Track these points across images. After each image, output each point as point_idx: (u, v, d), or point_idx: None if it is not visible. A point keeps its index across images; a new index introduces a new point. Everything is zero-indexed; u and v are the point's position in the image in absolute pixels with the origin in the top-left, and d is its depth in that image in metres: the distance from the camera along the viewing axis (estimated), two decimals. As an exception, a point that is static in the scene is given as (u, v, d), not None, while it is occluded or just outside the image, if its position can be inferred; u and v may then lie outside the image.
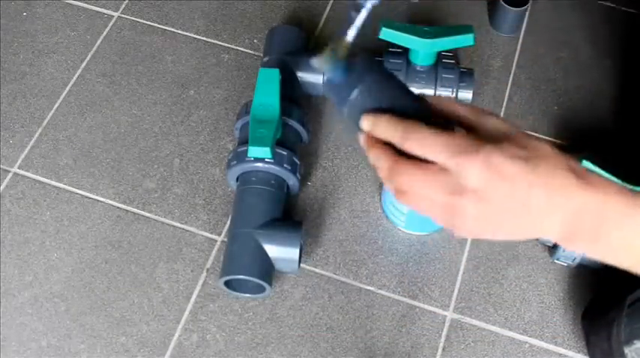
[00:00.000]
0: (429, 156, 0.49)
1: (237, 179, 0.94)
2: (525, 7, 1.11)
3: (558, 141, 1.05)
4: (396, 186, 0.51)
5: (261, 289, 0.88)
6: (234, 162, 0.91)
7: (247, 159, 0.90)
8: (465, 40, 0.96)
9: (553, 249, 0.92)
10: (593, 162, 0.85)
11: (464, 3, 1.19)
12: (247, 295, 0.90)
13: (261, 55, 1.12)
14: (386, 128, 0.51)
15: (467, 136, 0.49)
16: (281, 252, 0.87)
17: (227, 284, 0.89)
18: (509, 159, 0.47)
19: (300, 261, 0.88)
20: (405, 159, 0.50)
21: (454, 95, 0.99)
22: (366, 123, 0.53)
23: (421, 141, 0.49)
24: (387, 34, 0.96)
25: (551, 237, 0.49)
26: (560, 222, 0.48)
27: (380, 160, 0.52)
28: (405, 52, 1.00)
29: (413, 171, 0.49)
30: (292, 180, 0.93)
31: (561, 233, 0.48)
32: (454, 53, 1.01)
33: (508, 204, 0.48)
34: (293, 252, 0.87)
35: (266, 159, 0.90)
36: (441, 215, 0.50)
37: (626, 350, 0.79)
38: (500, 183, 0.47)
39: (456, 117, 0.52)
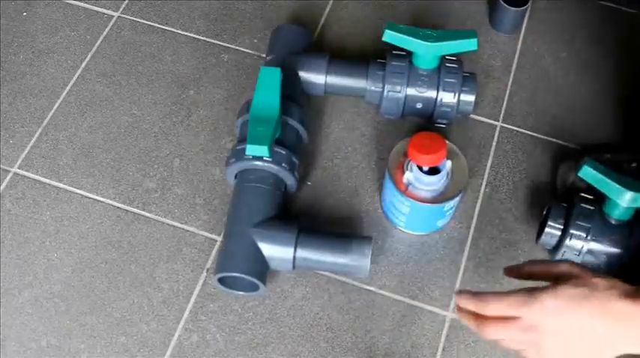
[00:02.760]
0: (505, 313, 0.63)
1: (236, 177, 0.94)
2: (525, 7, 1.11)
3: (559, 142, 1.05)
4: (487, 336, 0.65)
5: (256, 287, 0.88)
6: (233, 159, 0.92)
7: (246, 157, 0.90)
8: (468, 44, 0.96)
9: (553, 250, 0.92)
10: (594, 164, 0.85)
11: (464, 3, 1.19)
12: (242, 293, 0.90)
13: (261, 54, 1.12)
14: (466, 304, 0.66)
15: (526, 291, 0.62)
16: (276, 250, 0.87)
17: (223, 281, 0.89)
18: (560, 297, 0.60)
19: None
20: (489, 318, 0.64)
21: (456, 99, 0.99)
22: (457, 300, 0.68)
23: (494, 306, 0.63)
24: (390, 37, 0.96)
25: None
26: (631, 343, 0.58)
27: (469, 323, 0.66)
28: (408, 55, 1.00)
29: (494, 325, 0.64)
30: (290, 180, 0.93)
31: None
32: (458, 57, 1.01)
33: (567, 333, 0.60)
34: (287, 252, 0.87)
35: (264, 158, 0.90)
36: (525, 348, 0.64)
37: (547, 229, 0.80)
38: (553, 318, 0.60)
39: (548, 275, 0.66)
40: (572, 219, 0.88)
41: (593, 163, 0.85)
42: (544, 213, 0.93)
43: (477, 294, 0.65)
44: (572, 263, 0.66)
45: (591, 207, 0.88)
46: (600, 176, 0.84)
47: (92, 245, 0.96)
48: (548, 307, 0.60)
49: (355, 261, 0.87)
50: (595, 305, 0.59)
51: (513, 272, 0.70)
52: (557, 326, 0.60)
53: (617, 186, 0.83)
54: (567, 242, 0.88)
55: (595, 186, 0.85)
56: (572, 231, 0.87)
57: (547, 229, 0.90)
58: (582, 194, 0.90)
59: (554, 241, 0.90)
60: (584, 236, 0.87)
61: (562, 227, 0.89)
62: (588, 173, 0.85)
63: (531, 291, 0.62)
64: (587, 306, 0.59)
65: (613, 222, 0.87)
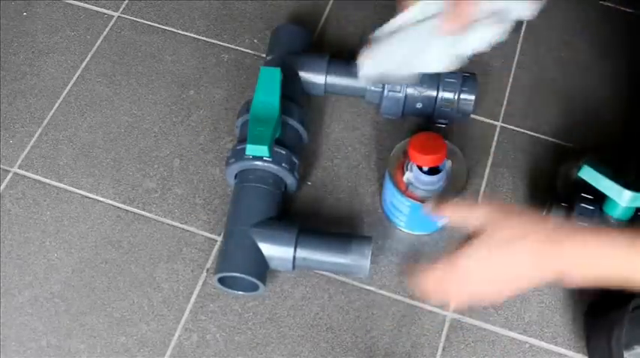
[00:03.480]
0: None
1: (236, 177, 0.94)
2: (525, 7, 1.11)
3: (559, 142, 1.05)
4: None
5: (256, 287, 0.88)
6: (233, 159, 0.92)
7: (245, 157, 0.90)
8: None
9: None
10: (594, 165, 0.85)
11: (464, 3, 1.19)
12: (241, 293, 0.90)
13: (261, 54, 1.12)
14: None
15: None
16: (276, 250, 0.87)
17: (223, 281, 0.89)
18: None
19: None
20: None
21: (456, 98, 0.99)
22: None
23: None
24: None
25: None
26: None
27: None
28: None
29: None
30: (290, 180, 0.93)
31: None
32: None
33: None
34: (287, 251, 0.87)
35: (264, 158, 0.90)
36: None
37: (626, 354, 0.79)
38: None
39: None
40: (573, 219, 0.88)
41: (593, 163, 0.85)
42: (544, 213, 0.93)
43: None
44: (491, 206, 0.71)
45: (591, 207, 0.88)
46: (600, 176, 0.84)
47: (92, 245, 0.96)
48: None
49: (355, 261, 0.87)
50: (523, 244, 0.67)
51: (430, 209, 0.76)
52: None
53: (617, 185, 0.83)
54: None
55: (595, 185, 0.85)
56: None
57: None
58: (582, 194, 0.90)
59: None
60: None
61: None
62: (588, 173, 0.85)
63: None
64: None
65: (613, 222, 0.88)
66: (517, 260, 0.67)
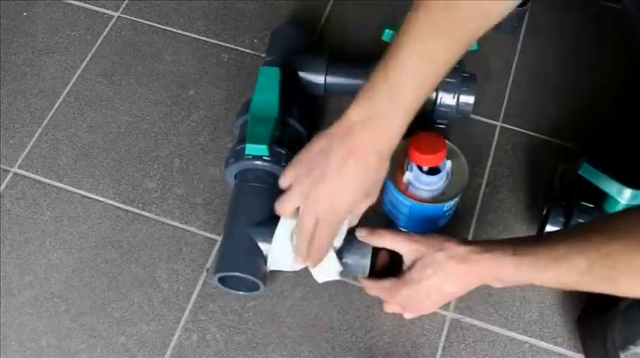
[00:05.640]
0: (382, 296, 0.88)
1: (236, 177, 0.94)
2: (525, 7, 1.11)
3: (559, 142, 1.05)
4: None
5: (257, 287, 0.88)
6: (232, 159, 0.91)
7: (245, 156, 0.90)
8: None
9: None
10: (594, 162, 0.85)
11: (464, 3, 1.19)
12: (242, 293, 0.90)
13: (261, 54, 1.12)
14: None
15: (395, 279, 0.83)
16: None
17: (223, 281, 0.89)
18: (415, 283, 0.80)
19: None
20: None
21: (456, 99, 0.99)
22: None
23: (373, 291, 0.89)
24: (390, 36, 0.96)
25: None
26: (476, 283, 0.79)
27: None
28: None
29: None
30: (292, 180, 0.93)
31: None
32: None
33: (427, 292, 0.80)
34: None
35: (264, 157, 0.90)
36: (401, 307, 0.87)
37: (622, 355, 0.79)
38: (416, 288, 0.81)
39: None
40: (573, 217, 0.88)
41: (593, 161, 0.85)
42: (544, 212, 0.93)
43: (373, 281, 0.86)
44: (418, 236, 0.80)
45: (591, 205, 0.88)
46: (600, 173, 0.85)
47: (92, 245, 0.96)
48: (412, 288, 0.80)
49: (356, 260, 0.87)
50: (441, 275, 0.77)
51: (364, 233, 0.85)
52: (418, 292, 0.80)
53: (617, 183, 0.84)
54: None
55: (595, 183, 0.86)
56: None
57: (548, 227, 0.90)
58: (582, 192, 0.90)
59: None
60: None
61: (562, 225, 0.89)
62: (588, 170, 0.86)
63: (394, 282, 0.82)
64: (438, 276, 0.78)
65: None
66: (445, 281, 0.77)
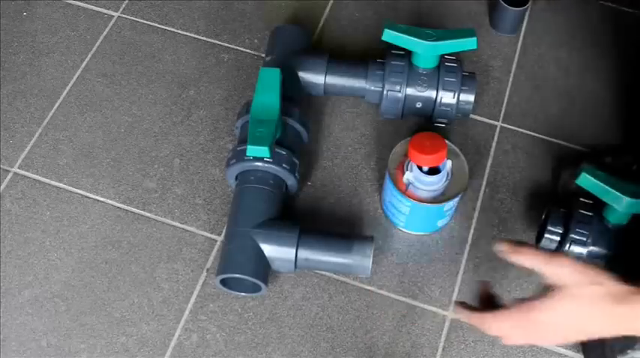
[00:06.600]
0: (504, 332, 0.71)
1: (236, 178, 0.94)
2: (525, 7, 1.11)
3: (559, 142, 1.05)
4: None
5: (258, 288, 0.88)
6: (234, 160, 0.91)
7: (246, 158, 0.90)
8: (467, 43, 0.95)
9: (554, 251, 0.92)
10: (592, 171, 0.85)
11: (464, 3, 1.19)
12: (244, 294, 0.90)
13: (261, 54, 1.12)
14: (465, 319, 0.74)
15: (521, 304, 0.69)
16: (278, 251, 0.87)
17: (224, 282, 0.89)
18: (554, 311, 0.67)
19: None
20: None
21: (455, 98, 0.99)
22: None
23: (493, 326, 0.71)
24: (389, 36, 0.96)
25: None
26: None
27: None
28: (407, 54, 1.00)
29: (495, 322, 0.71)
30: (291, 180, 0.93)
31: None
32: (457, 56, 1.01)
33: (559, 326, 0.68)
34: (289, 252, 0.87)
35: (265, 159, 0.90)
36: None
37: None
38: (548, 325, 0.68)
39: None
40: (572, 226, 0.88)
41: (591, 170, 0.85)
42: (543, 216, 0.93)
43: (474, 311, 0.71)
44: (571, 263, 0.68)
45: (590, 213, 0.89)
46: (598, 183, 0.84)
47: (92, 245, 0.96)
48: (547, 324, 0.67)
49: (357, 261, 0.87)
50: (590, 312, 0.66)
51: (506, 248, 0.73)
52: (554, 324, 0.67)
53: (615, 193, 0.84)
54: (567, 247, 0.88)
55: (593, 193, 0.86)
56: (572, 237, 0.88)
57: (546, 235, 0.90)
58: (581, 199, 0.90)
59: (553, 245, 0.91)
60: (584, 241, 0.88)
61: (561, 232, 0.90)
62: (586, 181, 0.85)
63: (525, 304, 0.68)
64: (583, 316, 0.66)
65: (611, 227, 0.88)
66: (591, 318, 0.66)
